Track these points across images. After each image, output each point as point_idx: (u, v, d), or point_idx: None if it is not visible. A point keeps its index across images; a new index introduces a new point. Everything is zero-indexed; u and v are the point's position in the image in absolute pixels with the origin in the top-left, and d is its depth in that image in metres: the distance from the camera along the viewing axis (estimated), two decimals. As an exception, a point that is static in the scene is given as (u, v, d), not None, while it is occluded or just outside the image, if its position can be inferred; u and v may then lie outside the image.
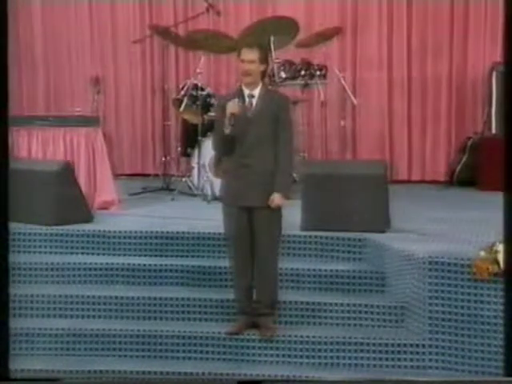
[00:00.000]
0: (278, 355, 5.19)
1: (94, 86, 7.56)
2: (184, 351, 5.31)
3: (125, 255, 5.99)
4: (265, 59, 5.08)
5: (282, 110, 5.07)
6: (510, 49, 3.12)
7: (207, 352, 5.28)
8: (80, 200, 6.36)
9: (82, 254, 6.07)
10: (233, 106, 4.92)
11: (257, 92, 5.03)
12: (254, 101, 5.01)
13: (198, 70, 7.72)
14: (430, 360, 5.09)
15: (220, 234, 5.96)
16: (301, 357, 5.17)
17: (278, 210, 5.04)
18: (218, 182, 7.37)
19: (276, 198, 4.98)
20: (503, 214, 3.23)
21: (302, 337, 5.20)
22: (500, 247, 4.90)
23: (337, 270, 5.62)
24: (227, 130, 4.92)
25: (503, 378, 3.35)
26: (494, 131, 7.99)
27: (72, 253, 6.08)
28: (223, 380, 4.96)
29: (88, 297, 5.61)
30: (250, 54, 5.00)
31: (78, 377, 5.04)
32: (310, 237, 5.81)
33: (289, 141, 5.06)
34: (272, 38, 7.47)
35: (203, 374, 5.10)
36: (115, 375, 5.14)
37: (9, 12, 3.05)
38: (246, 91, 5.04)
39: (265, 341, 5.20)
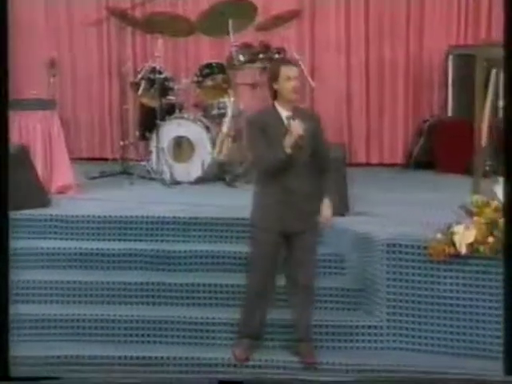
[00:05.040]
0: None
1: (49, 69, 7.46)
2: (144, 335, 5.31)
3: (83, 240, 5.95)
4: None
5: (318, 128, 4.91)
6: (509, 37, 3.14)
7: (166, 336, 5.29)
8: (37, 184, 6.29)
9: (40, 238, 6.01)
10: (299, 127, 4.68)
11: (290, 113, 4.80)
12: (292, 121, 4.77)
13: (155, 54, 7.66)
14: (388, 341, 5.16)
15: (180, 217, 5.97)
16: (265, 339, 5.17)
17: (318, 234, 5.00)
18: (176, 166, 7.39)
19: (329, 218, 4.93)
20: (503, 198, 3.23)
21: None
22: (456, 229, 4.98)
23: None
24: (288, 152, 4.69)
25: (503, 378, 3.38)
26: (450, 114, 8.07)
27: (29, 238, 6.01)
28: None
29: (46, 282, 5.57)
30: (295, 70, 4.83)
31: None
32: (269, 220, 5.81)
33: (330, 159, 4.96)
34: (230, 21, 7.44)
35: (162, 358, 5.12)
36: (73, 360, 5.12)
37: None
38: (283, 112, 4.80)
39: (231, 324, 5.20)
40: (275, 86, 4.81)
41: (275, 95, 4.84)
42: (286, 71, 4.79)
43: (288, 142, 4.69)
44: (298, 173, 4.78)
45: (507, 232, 3.22)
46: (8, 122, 3.15)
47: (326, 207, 4.89)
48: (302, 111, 4.93)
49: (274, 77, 4.82)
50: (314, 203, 4.88)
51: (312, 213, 4.89)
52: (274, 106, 4.85)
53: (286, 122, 4.78)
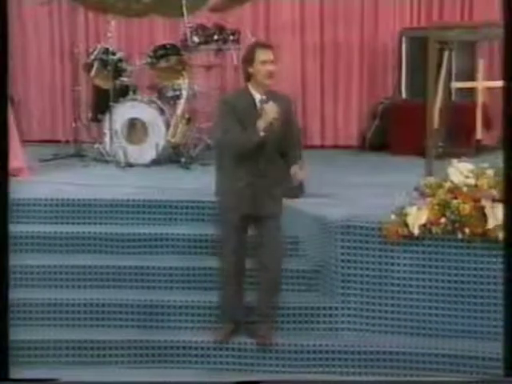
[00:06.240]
0: (193, 321, 5.20)
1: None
2: (96, 319, 5.27)
3: (35, 223, 5.87)
4: None
5: (289, 112, 4.91)
6: (509, 23, 3.14)
7: (119, 319, 5.26)
8: (-13, 167, 6.17)
9: (-10, 222, 5.90)
10: (273, 110, 4.66)
11: (264, 96, 4.77)
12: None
13: (108, 34, 7.56)
14: (343, 322, 5.19)
15: (134, 200, 5.92)
16: (216, 323, 5.18)
17: (280, 218, 4.96)
18: (130, 149, 7.31)
19: (298, 171, 4.86)
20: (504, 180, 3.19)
21: (212, 302, 5.22)
22: (409, 210, 5.01)
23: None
24: (261, 134, 4.66)
25: (503, 378, 3.40)
26: (404, 96, 8.12)
27: (-21, 222, 5.91)
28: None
29: None
30: (271, 54, 4.75)
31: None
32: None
33: (300, 143, 5.00)
34: (184, 2, 7.37)
35: (116, 341, 5.09)
36: (33, 344, 5.07)
37: None
38: (256, 95, 4.77)
39: (179, 307, 5.20)
40: (250, 70, 4.77)
41: (249, 78, 4.80)
42: (262, 55, 4.74)
43: (261, 124, 4.67)
44: (268, 156, 4.79)
45: (507, 215, 3.20)
46: (7, 109, 3.07)
47: (297, 169, 4.86)
48: (275, 94, 4.87)
49: (249, 60, 4.77)
50: (282, 187, 4.90)
51: (280, 196, 4.92)
52: (247, 89, 4.82)
53: (259, 105, 4.76)
